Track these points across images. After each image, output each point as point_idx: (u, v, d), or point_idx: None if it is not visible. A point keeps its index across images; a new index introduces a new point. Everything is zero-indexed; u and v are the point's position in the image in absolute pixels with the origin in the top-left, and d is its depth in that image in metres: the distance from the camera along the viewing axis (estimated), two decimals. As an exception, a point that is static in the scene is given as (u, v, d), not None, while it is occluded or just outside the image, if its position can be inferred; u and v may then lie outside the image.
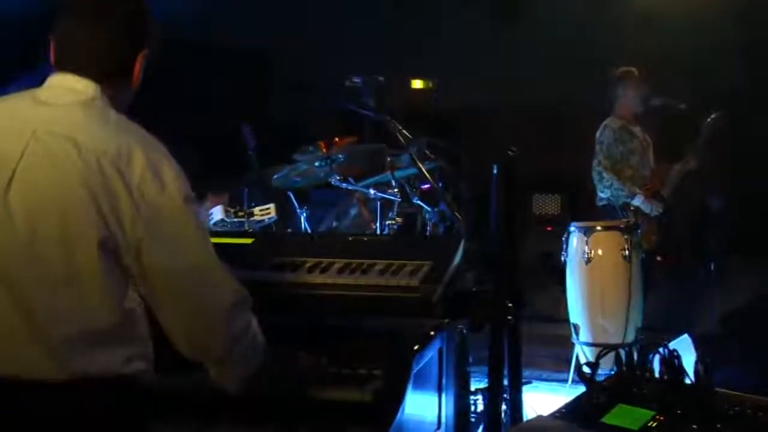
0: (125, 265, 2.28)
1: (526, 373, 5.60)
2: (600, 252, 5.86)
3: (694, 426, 2.59)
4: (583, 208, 7.52)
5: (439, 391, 3.14)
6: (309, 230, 5.47)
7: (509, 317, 3.06)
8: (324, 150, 5.03)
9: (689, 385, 2.93)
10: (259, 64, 9.12)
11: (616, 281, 5.78)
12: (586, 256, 5.84)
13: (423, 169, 4.45)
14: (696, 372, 2.93)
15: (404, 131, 4.56)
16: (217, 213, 5.00)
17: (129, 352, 2.30)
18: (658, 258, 6.63)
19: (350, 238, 3.38)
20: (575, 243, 5.93)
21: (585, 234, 5.88)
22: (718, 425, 2.58)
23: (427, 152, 5.03)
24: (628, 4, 9.02)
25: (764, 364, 5.68)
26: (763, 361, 5.70)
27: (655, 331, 6.35)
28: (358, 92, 4.71)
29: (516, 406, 3.34)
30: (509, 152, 3.07)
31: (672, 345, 5.74)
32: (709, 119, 6.55)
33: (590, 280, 5.87)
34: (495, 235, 3.05)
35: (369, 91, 4.68)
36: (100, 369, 2.25)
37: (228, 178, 5.77)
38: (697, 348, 5.75)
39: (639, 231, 6.01)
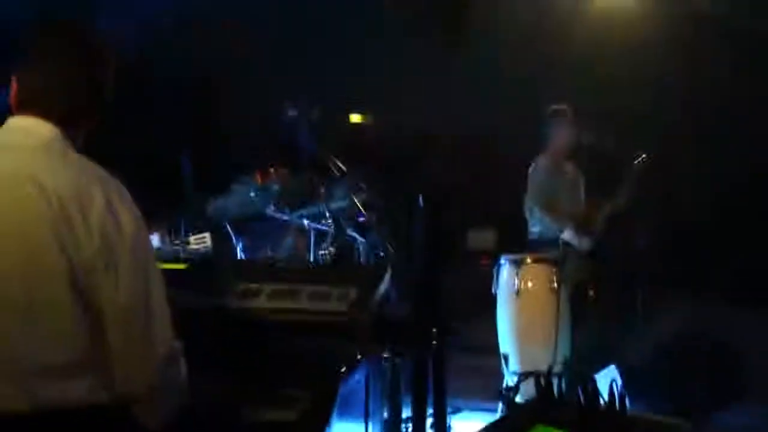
0: (86, 301, 2.34)
1: (459, 402, 5.74)
2: (529, 284, 6.01)
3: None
4: (518, 242, 7.66)
5: (366, 415, 3.24)
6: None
7: (433, 343, 3.16)
8: (259, 180, 5.12)
9: (603, 409, 3.06)
10: (201, 93, 9.15)
11: (544, 312, 5.92)
12: (515, 287, 5.99)
13: (356, 201, 4.56)
14: (611, 397, 3.05)
15: (339, 164, 4.67)
16: (154, 240, 5.06)
17: (90, 383, 2.36)
18: (591, 292, 6.78)
19: (280, 266, 3.49)
20: (506, 275, 6.08)
21: (515, 266, 6.04)
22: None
23: (361, 185, 5.14)
24: (568, 44, 9.20)
25: (686, 391, 5.89)
26: (684, 387, 5.91)
27: (585, 362, 6.51)
28: (294, 124, 4.81)
29: (441, 430, 3.44)
30: (433, 185, 3.19)
31: (599, 375, 5.94)
32: (637, 160, 6.74)
33: (519, 311, 6.02)
34: (418, 264, 3.16)
35: (304, 124, 4.79)
36: (62, 400, 2.31)
37: (166, 207, 5.82)
38: (623, 377, 5.93)
39: (567, 264, 6.16)
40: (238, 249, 5.55)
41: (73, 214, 2.31)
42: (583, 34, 8.91)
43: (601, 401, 3.10)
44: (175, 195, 5.93)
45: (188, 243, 5.04)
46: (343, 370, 2.95)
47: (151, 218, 5.48)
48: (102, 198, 2.35)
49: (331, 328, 3.00)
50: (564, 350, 5.96)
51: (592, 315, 6.66)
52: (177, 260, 3.54)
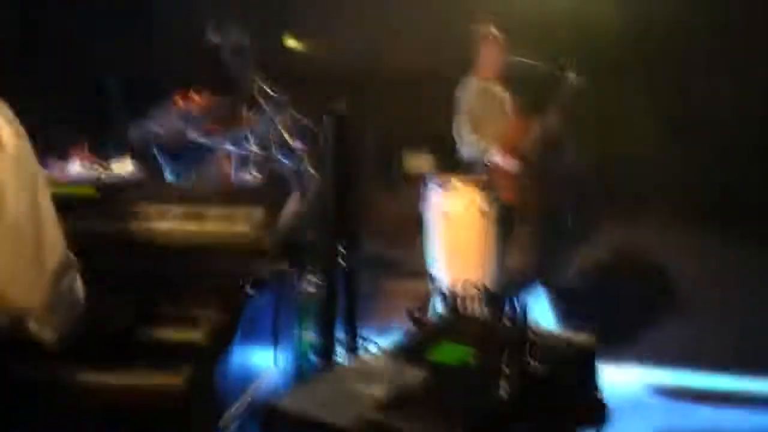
0: None
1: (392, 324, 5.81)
2: (457, 206, 6.06)
3: (506, 358, 2.77)
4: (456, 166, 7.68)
5: (275, 332, 3.28)
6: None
7: (341, 262, 3.20)
8: (180, 104, 5.09)
9: (508, 324, 3.13)
10: (130, 11, 9.01)
11: (471, 234, 5.99)
12: (444, 210, 6.04)
13: (279, 126, 4.55)
14: (513, 311, 3.11)
15: (266, 87, 4.63)
16: (74, 167, 5.02)
17: None
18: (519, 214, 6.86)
19: (190, 188, 3.50)
20: (433, 198, 6.13)
21: (443, 189, 6.08)
22: (528, 356, 2.78)
23: (292, 111, 5.11)
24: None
25: (615, 312, 6.00)
26: (614, 309, 6.02)
27: (512, 283, 6.61)
28: (218, 47, 4.76)
29: (352, 347, 3.50)
30: (338, 104, 3.21)
31: (527, 296, 6.03)
32: (569, 78, 6.76)
33: (448, 233, 6.08)
34: (324, 182, 3.19)
35: (227, 47, 4.74)
36: None
37: (90, 132, 5.77)
38: (549, 298, 6.04)
39: (494, 186, 6.21)
40: (167, 174, 5.52)
41: None
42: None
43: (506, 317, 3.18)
44: (101, 118, 5.88)
45: (108, 168, 5.01)
46: (248, 290, 2.97)
47: (72, 142, 5.50)
48: None
49: (235, 249, 3.03)
50: (494, 272, 6.04)
51: (521, 237, 6.74)
52: (88, 185, 3.51)
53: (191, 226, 3.09)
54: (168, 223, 3.11)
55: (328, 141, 3.22)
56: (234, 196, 3.32)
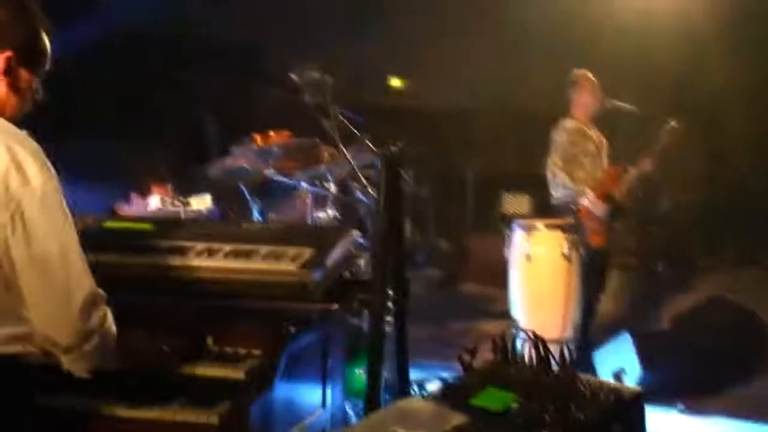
0: None
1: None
2: (541, 249, 5.99)
3: (550, 406, 2.72)
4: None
5: (324, 372, 3.28)
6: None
7: (389, 303, 3.18)
8: (259, 142, 5.17)
9: (555, 371, 3.06)
10: (232, 58, 9.25)
11: (554, 278, 5.92)
12: (527, 253, 5.98)
13: (354, 166, 4.57)
14: (562, 359, 3.06)
15: (351, 125, 4.66)
16: (155, 202, 5.16)
17: (8, 333, 2.46)
18: (632, 261, 6.70)
19: (243, 226, 3.53)
20: (517, 240, 6.07)
21: (526, 232, 6.02)
22: (572, 405, 2.72)
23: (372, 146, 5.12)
24: (604, 8, 9.10)
25: (698, 360, 5.82)
26: (696, 357, 5.84)
27: (600, 328, 6.48)
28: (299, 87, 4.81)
29: (402, 386, 3.47)
30: (392, 146, 3.20)
31: (613, 342, 5.90)
32: (668, 126, 6.64)
33: (530, 276, 6.01)
34: (378, 224, 3.18)
35: (308, 85, 4.78)
36: None
37: (176, 169, 5.92)
38: (636, 345, 5.88)
39: (581, 230, 6.12)
40: (254, 210, 5.60)
41: None
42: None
43: (555, 364, 3.12)
44: (190, 155, 6.01)
45: (189, 204, 5.13)
46: (292, 329, 2.97)
47: (155, 178, 5.64)
48: (5, 153, 2.41)
49: (281, 288, 3.04)
50: (575, 317, 5.94)
51: (608, 282, 6.61)
52: (142, 220, 3.58)
53: (238, 264, 3.11)
54: (215, 260, 3.14)
55: (381, 183, 3.20)
56: (286, 235, 3.34)
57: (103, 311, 2.58)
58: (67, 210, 2.52)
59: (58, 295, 2.46)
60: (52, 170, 2.49)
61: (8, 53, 2.58)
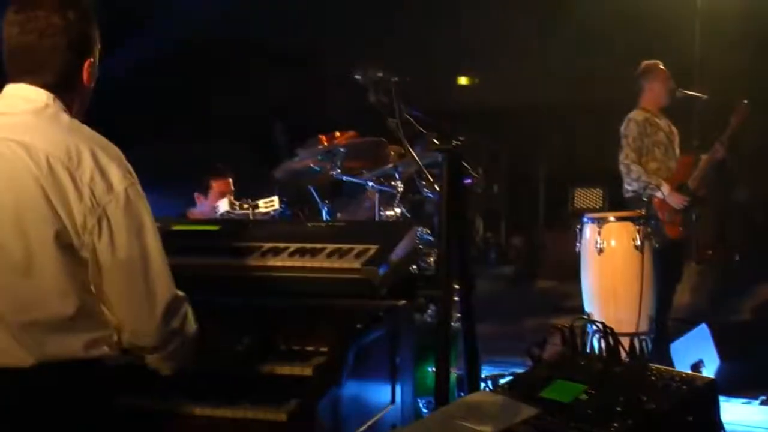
0: (81, 257, 2.46)
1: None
2: (612, 242, 5.92)
3: (621, 398, 2.69)
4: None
5: (392, 368, 3.28)
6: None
7: (455, 297, 3.17)
8: (324, 143, 5.19)
9: (625, 361, 3.03)
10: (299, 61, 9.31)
11: (627, 271, 5.84)
12: (598, 246, 5.92)
13: (420, 163, 4.56)
14: (632, 350, 3.03)
15: (418, 125, 4.65)
16: (223, 205, 5.21)
17: (91, 337, 2.49)
18: (709, 252, 6.59)
19: (309, 225, 3.55)
20: (588, 234, 6.01)
21: (597, 225, 5.96)
22: (642, 396, 2.69)
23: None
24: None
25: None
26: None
27: (677, 320, 6.40)
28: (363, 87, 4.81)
29: (472, 381, 3.46)
30: (455, 142, 3.20)
31: (690, 334, 5.82)
32: (741, 109, 6.53)
33: (603, 270, 5.95)
34: (441, 219, 3.17)
35: (370, 85, 4.78)
36: (64, 353, 2.44)
37: (244, 172, 5.97)
38: (714, 337, 5.80)
39: (653, 221, 6.05)
40: (323, 211, 5.61)
41: (62, 174, 2.42)
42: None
43: (624, 355, 3.09)
44: (259, 158, 6.06)
45: (257, 206, 5.17)
46: (359, 326, 2.99)
47: (215, 175, 5.70)
48: (90, 158, 2.45)
49: (346, 285, 3.06)
50: (650, 310, 5.85)
51: (684, 273, 6.51)
52: (209, 222, 3.62)
53: (303, 262, 3.13)
54: (281, 259, 3.16)
55: (443, 179, 3.20)
56: (351, 232, 3.35)
57: (185, 311, 2.64)
58: (150, 214, 2.57)
59: (143, 299, 2.52)
60: (134, 175, 2.54)
61: (89, 60, 2.65)
